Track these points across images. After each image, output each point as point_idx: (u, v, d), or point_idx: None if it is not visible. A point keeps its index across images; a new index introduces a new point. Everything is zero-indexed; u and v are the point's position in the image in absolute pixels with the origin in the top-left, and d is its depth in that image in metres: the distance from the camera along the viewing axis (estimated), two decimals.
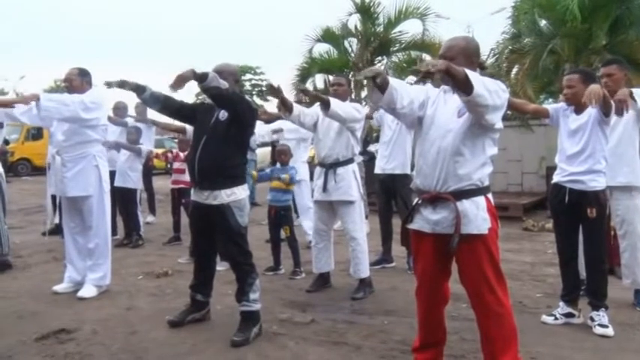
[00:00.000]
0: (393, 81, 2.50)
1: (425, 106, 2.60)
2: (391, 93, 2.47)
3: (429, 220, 2.51)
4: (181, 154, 6.30)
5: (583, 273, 3.71)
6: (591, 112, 3.44)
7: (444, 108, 2.55)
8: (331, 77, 4.76)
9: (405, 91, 2.54)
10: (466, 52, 2.52)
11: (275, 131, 6.24)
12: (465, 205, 2.42)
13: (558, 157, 3.64)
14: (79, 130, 4.25)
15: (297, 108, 4.17)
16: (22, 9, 60.77)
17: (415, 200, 2.61)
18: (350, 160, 4.28)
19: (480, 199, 2.46)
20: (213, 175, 3.32)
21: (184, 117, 3.75)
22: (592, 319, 3.46)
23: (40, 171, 15.32)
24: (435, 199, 2.48)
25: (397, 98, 2.49)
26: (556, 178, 3.61)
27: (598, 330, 3.37)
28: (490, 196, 2.51)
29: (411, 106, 2.55)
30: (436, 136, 2.49)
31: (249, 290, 3.34)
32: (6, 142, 13.92)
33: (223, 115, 3.37)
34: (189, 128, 4.67)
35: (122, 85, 3.43)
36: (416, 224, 2.58)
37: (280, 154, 5.17)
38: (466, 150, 2.43)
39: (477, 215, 2.42)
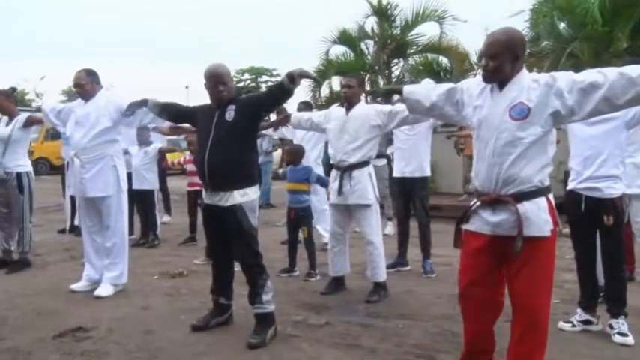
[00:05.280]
0: (408, 88, 2.53)
1: (460, 102, 2.59)
2: (409, 100, 2.53)
3: (488, 222, 2.43)
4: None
5: (601, 279, 3.64)
6: (612, 114, 3.36)
7: (494, 107, 2.42)
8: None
9: (422, 94, 2.58)
10: (509, 46, 2.36)
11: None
12: (525, 207, 2.34)
13: (573, 161, 3.50)
14: (98, 133, 4.30)
15: (294, 117, 4.58)
16: (41, 8, 61.74)
17: (473, 202, 2.53)
18: (366, 163, 4.21)
19: (541, 200, 2.37)
20: (224, 176, 3.29)
21: (185, 119, 3.85)
22: (611, 327, 3.40)
23: (58, 170, 15.50)
24: (494, 202, 2.41)
25: (416, 105, 2.54)
26: (571, 184, 3.49)
27: (617, 338, 3.31)
28: (551, 196, 2.41)
29: (435, 107, 2.62)
30: (488, 137, 2.41)
31: (262, 292, 3.33)
32: None
33: (230, 115, 3.34)
34: None
35: (138, 104, 4.01)
36: (473, 225, 2.50)
37: (287, 154, 5.19)
38: (527, 152, 2.34)
39: (538, 217, 2.34)
